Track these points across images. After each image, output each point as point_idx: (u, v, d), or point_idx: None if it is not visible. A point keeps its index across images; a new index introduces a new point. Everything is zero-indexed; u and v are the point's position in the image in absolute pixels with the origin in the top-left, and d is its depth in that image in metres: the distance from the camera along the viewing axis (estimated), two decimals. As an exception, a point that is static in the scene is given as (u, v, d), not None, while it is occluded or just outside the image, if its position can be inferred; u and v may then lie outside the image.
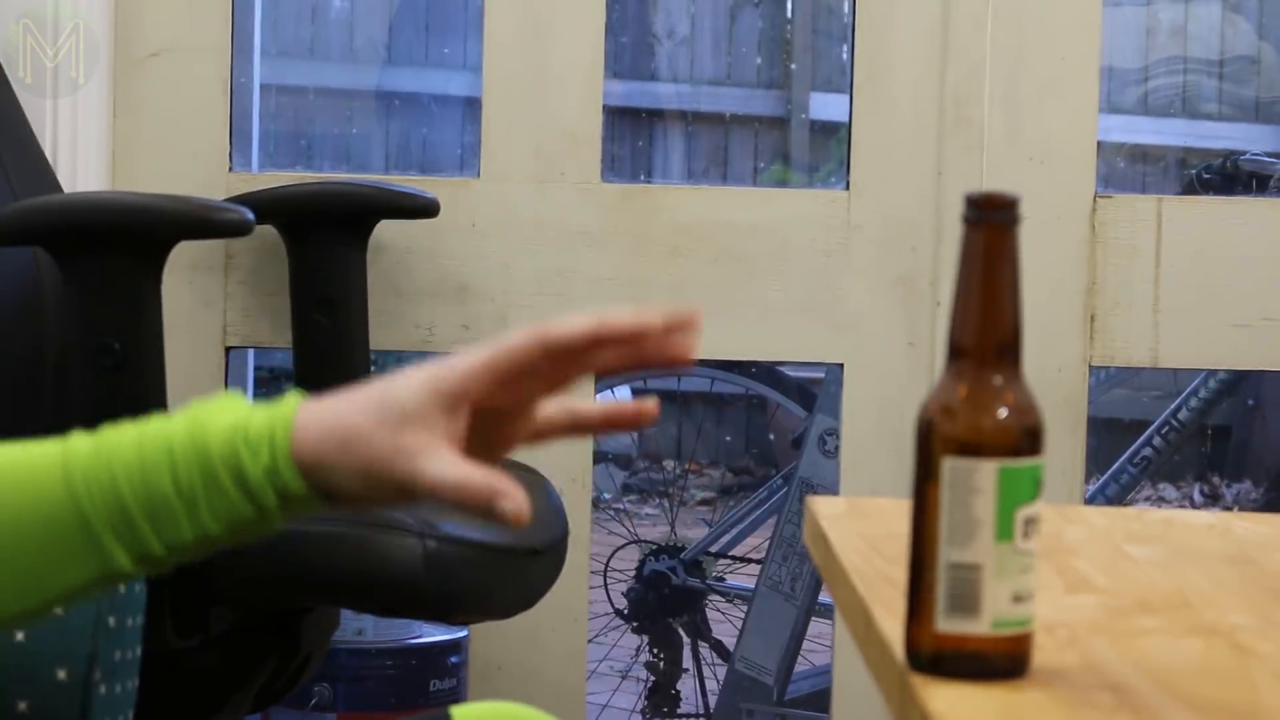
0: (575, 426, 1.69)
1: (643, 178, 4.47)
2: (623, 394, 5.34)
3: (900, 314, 3.37)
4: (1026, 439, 1.51)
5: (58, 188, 3.11)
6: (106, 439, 1.66)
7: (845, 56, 4.77)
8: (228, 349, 3.41)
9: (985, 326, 1.54)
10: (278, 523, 1.66)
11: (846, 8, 5.15)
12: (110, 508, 1.65)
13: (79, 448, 1.65)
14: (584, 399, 1.78)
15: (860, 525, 2.00)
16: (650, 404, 1.67)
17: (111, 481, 1.64)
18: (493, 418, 1.71)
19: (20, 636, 1.94)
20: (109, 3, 3.36)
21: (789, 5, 5.59)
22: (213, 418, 1.62)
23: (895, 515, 1.94)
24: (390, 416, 1.64)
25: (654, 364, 1.71)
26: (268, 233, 3.22)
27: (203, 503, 1.66)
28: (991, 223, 1.53)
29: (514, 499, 1.56)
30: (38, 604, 1.68)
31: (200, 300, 3.36)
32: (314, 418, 1.61)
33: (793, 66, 5.54)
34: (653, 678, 4.65)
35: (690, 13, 5.61)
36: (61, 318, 2.87)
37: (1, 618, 1.70)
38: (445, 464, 1.63)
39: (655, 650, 4.66)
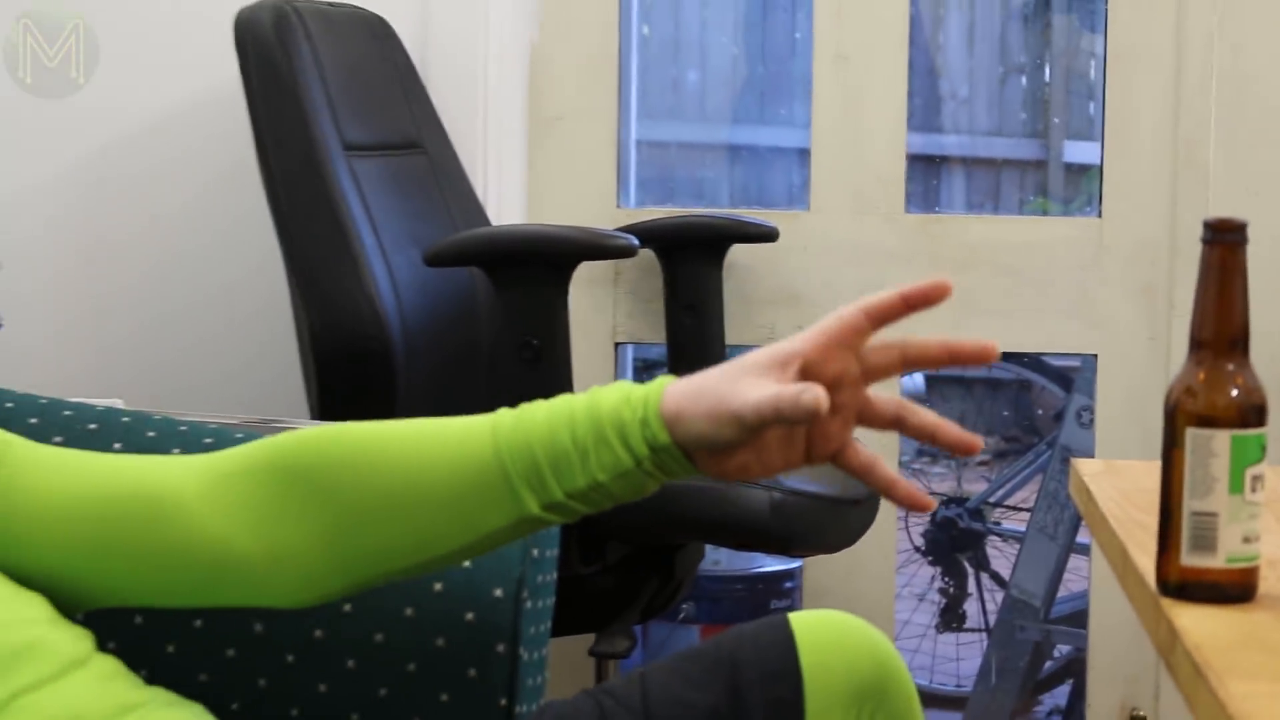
0: (910, 360, 1.67)
1: (935, 209, 4.44)
2: (918, 382, 5.31)
3: (1143, 315, 3.35)
4: (1254, 413, 1.53)
5: (487, 221, 3.15)
6: (524, 411, 1.68)
7: (1093, 111, 4.70)
8: (616, 344, 3.46)
9: (1220, 324, 1.56)
10: (652, 480, 1.65)
11: (1093, 74, 5.09)
12: (524, 463, 1.66)
13: (504, 419, 1.67)
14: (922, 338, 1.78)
15: (1115, 481, 2.00)
16: (992, 344, 1.63)
17: (526, 442, 1.65)
18: (833, 387, 1.68)
19: (468, 564, 1.97)
20: (524, 78, 3.38)
21: (1047, 71, 5.54)
22: (607, 392, 1.64)
23: (1144, 474, 1.95)
24: (732, 371, 1.63)
25: (968, 360, 1.69)
26: (646, 254, 3.25)
27: (592, 454, 1.66)
28: (1225, 242, 1.55)
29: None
30: (469, 543, 1.69)
31: (595, 306, 3.40)
32: (678, 383, 1.61)
33: (1054, 120, 5.48)
34: (944, 600, 4.63)
35: (969, 79, 5.60)
36: (492, 321, 2.94)
37: (441, 554, 1.71)
38: (762, 388, 1.61)
39: (946, 579, 4.65)
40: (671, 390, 1.66)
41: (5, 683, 1.59)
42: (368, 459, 1.78)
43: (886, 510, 3.27)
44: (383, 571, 1.73)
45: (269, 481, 1.74)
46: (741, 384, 1.66)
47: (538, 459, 1.70)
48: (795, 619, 1.79)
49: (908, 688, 1.77)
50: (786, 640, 1.78)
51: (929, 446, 5.77)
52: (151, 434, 2.06)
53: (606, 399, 1.69)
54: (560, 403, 1.70)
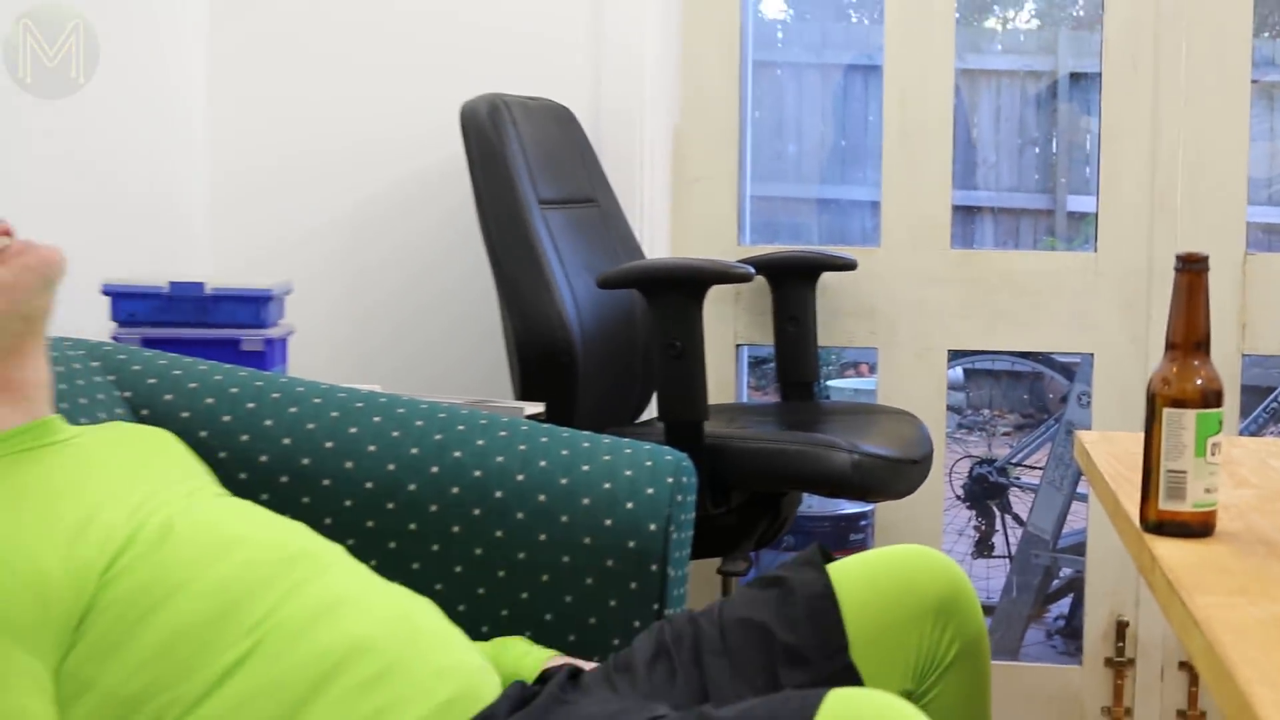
0: None
1: (972, 246, 4.40)
2: (957, 374, 5.28)
3: (1128, 325, 3.30)
4: (1214, 397, 1.56)
5: (642, 255, 3.15)
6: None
7: (1089, 173, 4.67)
8: (737, 345, 3.43)
9: (1188, 331, 1.57)
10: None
11: (1089, 145, 5.08)
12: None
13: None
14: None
15: (1109, 447, 2.00)
16: None
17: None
18: None
19: (630, 505, 1.96)
20: (669, 150, 3.38)
21: (1054, 143, 5.53)
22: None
23: (1130, 443, 1.95)
24: None
25: None
26: (759, 279, 3.23)
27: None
28: (1192, 270, 1.56)
29: None
30: None
31: (721, 317, 3.38)
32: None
33: (1060, 179, 5.45)
34: (977, 535, 4.60)
35: (996, 149, 5.59)
36: (646, 328, 2.92)
37: None
38: None
39: (979, 519, 4.61)
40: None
41: (289, 575, 1.62)
42: None
43: (935, 468, 3.25)
44: None
45: None
46: None
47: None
48: (885, 550, 1.76)
49: (975, 601, 1.75)
50: (818, 556, 1.77)
51: (969, 419, 5.76)
52: (401, 410, 2.09)
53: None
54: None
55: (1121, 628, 3.34)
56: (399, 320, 3.30)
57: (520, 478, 2.00)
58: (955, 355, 3.54)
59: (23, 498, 1.56)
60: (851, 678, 1.67)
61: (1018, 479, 4.60)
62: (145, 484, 1.68)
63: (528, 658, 1.79)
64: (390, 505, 1.99)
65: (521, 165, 2.80)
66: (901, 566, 1.74)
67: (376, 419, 2.05)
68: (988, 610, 4.17)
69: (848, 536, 4.03)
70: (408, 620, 1.66)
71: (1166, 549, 1.50)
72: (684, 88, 3.43)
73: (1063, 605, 4.05)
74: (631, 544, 1.96)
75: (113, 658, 1.49)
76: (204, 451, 1.96)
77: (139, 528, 1.58)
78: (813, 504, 3.98)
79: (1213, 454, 1.54)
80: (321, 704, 1.52)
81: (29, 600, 1.47)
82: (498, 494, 1.98)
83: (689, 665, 1.71)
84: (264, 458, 2.01)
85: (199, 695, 1.50)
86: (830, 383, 5.28)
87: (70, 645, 1.49)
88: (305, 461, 2.00)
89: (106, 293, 2.59)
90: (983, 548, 4.64)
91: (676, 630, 1.76)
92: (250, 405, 2.05)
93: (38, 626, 1.47)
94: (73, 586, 1.50)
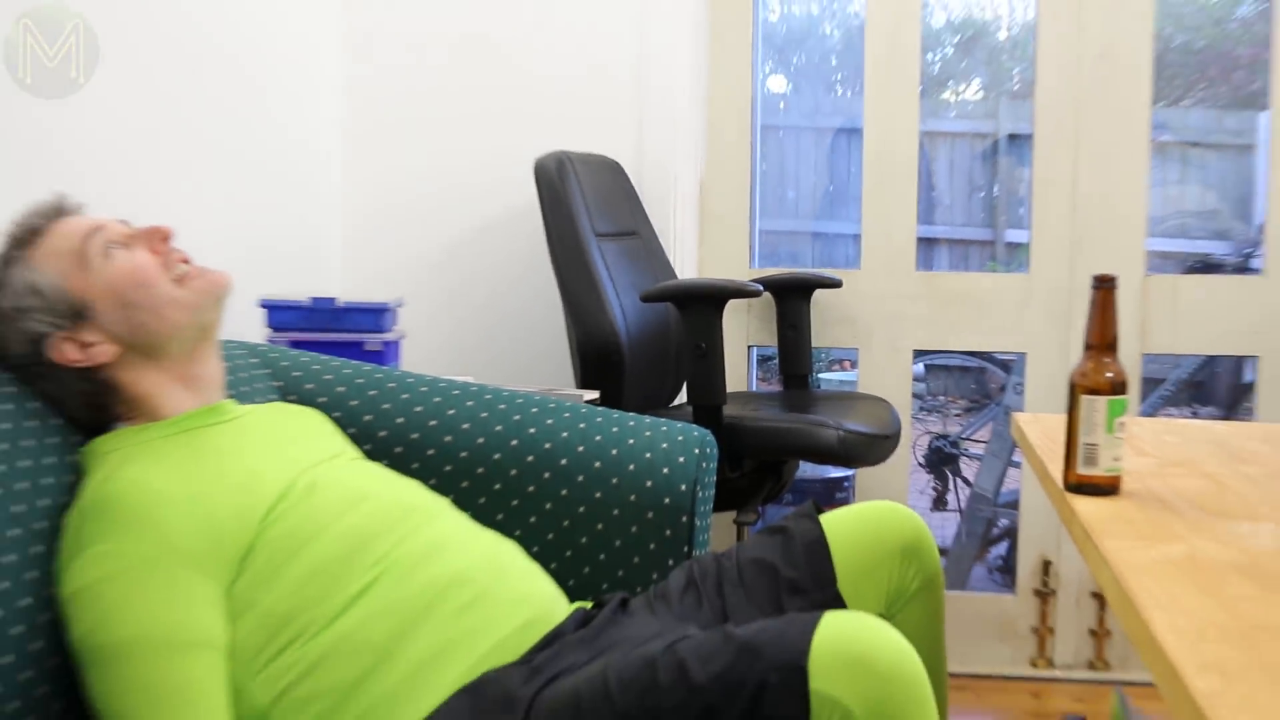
0: None
1: (932, 269, 4.38)
2: (919, 369, 5.26)
3: (1053, 330, 3.28)
4: (1120, 388, 1.54)
5: (675, 276, 3.14)
6: None
7: (1023, 212, 4.64)
8: (748, 346, 3.42)
9: (1101, 336, 1.55)
10: None
11: (1023, 191, 5.03)
12: None
13: None
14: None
15: (1038, 426, 1.99)
16: None
17: None
18: None
19: (666, 470, 1.96)
20: (695, 195, 3.37)
21: (995, 189, 5.47)
22: None
23: (1055, 422, 1.95)
24: None
25: None
26: (766, 295, 3.22)
27: None
28: (1104, 288, 1.54)
29: None
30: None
31: (737, 324, 3.36)
32: None
33: (1000, 217, 5.37)
34: (935, 493, 4.57)
35: (950, 193, 5.53)
36: (678, 333, 2.91)
37: None
38: None
39: (936, 481, 4.58)
40: None
41: (405, 523, 1.63)
42: None
43: (903, 441, 3.23)
44: None
45: None
46: None
47: None
48: (863, 505, 1.77)
49: (933, 545, 1.75)
50: (813, 510, 1.77)
51: (929, 402, 5.73)
52: (488, 396, 2.08)
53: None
54: None
55: (1046, 565, 3.32)
56: (486, 325, 3.29)
57: (580, 449, 2.00)
58: (919, 354, 3.52)
59: (200, 461, 1.57)
60: (839, 605, 1.68)
61: (966, 450, 4.57)
62: (297, 450, 1.69)
63: None
64: (480, 470, 1.99)
65: (581, 206, 2.79)
66: (876, 518, 1.74)
67: (469, 403, 2.05)
68: (943, 552, 4.15)
69: (834, 495, 4.01)
70: (496, 559, 1.66)
71: (1083, 504, 1.50)
72: (708, 146, 3.42)
73: (1001, 548, 4.02)
74: (667, 500, 1.96)
75: (269, 584, 1.51)
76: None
77: (291, 484, 1.60)
78: (806, 470, 3.96)
79: (1119, 431, 1.53)
80: (428, 623, 1.53)
81: (205, 539, 1.49)
82: (563, 461, 1.98)
83: (712, 594, 1.71)
84: (383, 433, 2.01)
85: (334, 614, 1.51)
86: (821, 375, 5.25)
87: (237, 574, 1.50)
88: (414, 436, 2.01)
89: (263, 306, 2.60)
90: (939, 503, 4.59)
91: (703, 567, 1.76)
92: (372, 393, 2.05)
93: (212, 559, 1.49)
94: (239, 529, 1.52)
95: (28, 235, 1.62)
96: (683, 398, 3.07)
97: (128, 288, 1.60)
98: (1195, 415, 4.93)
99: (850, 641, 1.29)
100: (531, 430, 2.02)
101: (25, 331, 1.59)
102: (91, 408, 1.62)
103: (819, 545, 1.71)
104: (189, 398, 1.66)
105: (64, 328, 1.59)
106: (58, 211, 1.65)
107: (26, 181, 1.96)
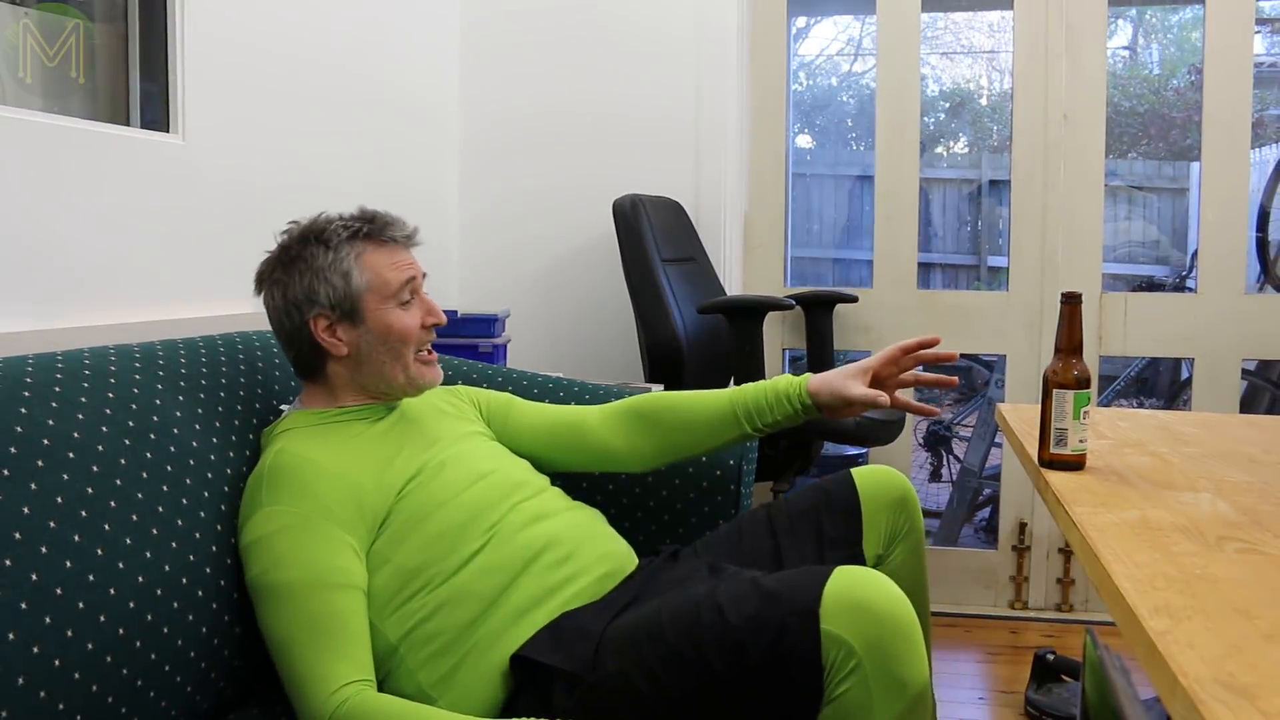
0: (917, 363, 1.68)
1: (929, 288, 4.33)
2: (918, 368, 5.21)
3: (1029, 337, 3.23)
4: (1085, 382, 1.53)
5: (724, 293, 3.13)
6: (745, 387, 1.67)
7: (1003, 242, 4.59)
8: (783, 349, 3.41)
9: (1068, 341, 1.51)
10: (799, 418, 1.65)
11: (1002, 225, 4.95)
12: (745, 410, 1.63)
13: (736, 392, 1.66)
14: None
15: (1018, 414, 1.96)
16: (953, 353, 1.68)
17: (744, 402, 1.62)
18: (883, 379, 1.65)
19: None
20: (740, 226, 3.35)
21: (979, 223, 5.39)
22: (781, 380, 1.61)
23: (1031, 411, 1.90)
24: (845, 373, 1.60)
25: (942, 359, 1.66)
26: (797, 308, 3.20)
27: (775, 407, 1.64)
28: (1071, 303, 1.51)
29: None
30: (717, 446, 1.68)
31: (775, 332, 3.35)
32: (815, 376, 1.59)
33: (984, 246, 5.32)
34: (932, 468, 4.54)
35: (943, 226, 5.46)
36: (727, 338, 2.90)
37: (705, 450, 1.72)
38: (860, 389, 1.58)
39: (933, 458, 4.55)
40: (811, 379, 1.66)
41: (510, 498, 1.62)
42: (675, 407, 1.78)
43: (908, 426, 3.21)
44: (679, 457, 1.74)
45: (630, 417, 1.76)
46: (848, 381, 1.66)
47: (750, 409, 1.69)
48: (861, 469, 1.77)
49: (916, 502, 1.73)
50: (851, 478, 1.76)
51: (923, 396, 5.70)
52: (575, 388, 2.06)
53: (781, 382, 1.69)
54: (761, 384, 1.70)
55: (1023, 526, 3.27)
56: (573, 331, 3.27)
57: (649, 430, 1.99)
58: (918, 356, 3.49)
59: (352, 444, 1.57)
60: (861, 561, 1.66)
61: (958, 433, 4.53)
62: (440, 429, 1.68)
63: (794, 383, 1.73)
64: (570, 447, 1.99)
65: (651, 238, 2.78)
66: (877, 478, 1.73)
67: (560, 394, 2.04)
68: (936, 515, 4.12)
69: (851, 468, 3.98)
70: (582, 525, 1.65)
71: (1054, 477, 1.48)
72: (750, 190, 3.38)
73: (985, 512, 3.98)
74: (718, 472, 1.94)
75: (402, 543, 1.50)
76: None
77: (424, 464, 1.59)
78: (829, 448, 3.93)
79: (1084, 418, 1.50)
80: (526, 577, 1.53)
81: (351, 505, 1.48)
82: (636, 440, 1.98)
83: (766, 539, 1.70)
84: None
85: (452, 570, 1.50)
86: (839, 372, 5.22)
87: (376, 535, 1.50)
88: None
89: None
90: (935, 476, 4.56)
91: (754, 518, 1.75)
92: (485, 386, 2.05)
93: (356, 520, 1.48)
94: (380, 498, 1.51)
95: (382, 233, 1.61)
96: (730, 390, 3.06)
97: (392, 334, 1.60)
98: (1141, 406, 4.85)
99: (854, 591, 1.29)
100: (611, 415, 1.99)
101: (311, 291, 1.58)
102: (300, 358, 1.63)
103: (855, 512, 1.70)
104: (364, 399, 1.66)
105: (333, 315, 1.59)
106: (409, 239, 1.64)
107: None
